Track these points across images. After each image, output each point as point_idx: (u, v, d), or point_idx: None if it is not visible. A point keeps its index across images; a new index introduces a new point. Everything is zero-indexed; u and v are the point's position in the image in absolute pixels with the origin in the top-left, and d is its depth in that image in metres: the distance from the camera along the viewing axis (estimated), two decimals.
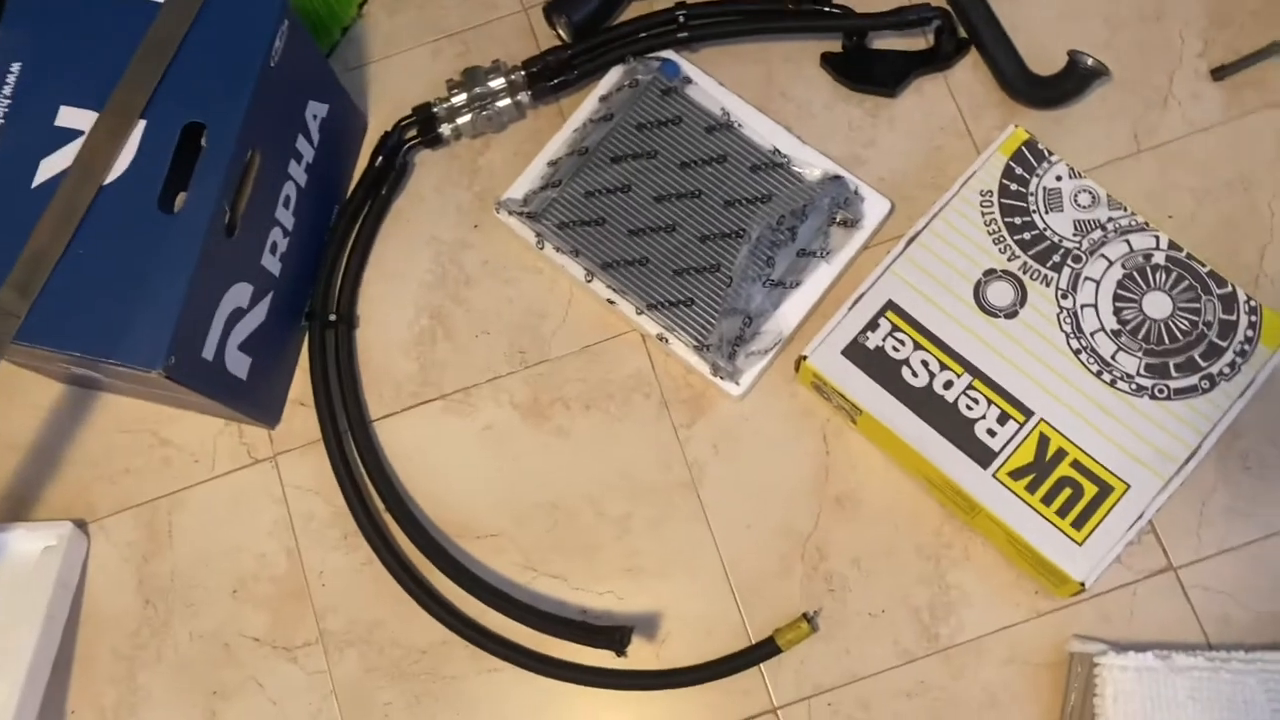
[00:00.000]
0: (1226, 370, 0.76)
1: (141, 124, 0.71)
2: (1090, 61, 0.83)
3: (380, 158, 0.87)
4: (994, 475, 0.75)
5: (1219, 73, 0.86)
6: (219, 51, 0.72)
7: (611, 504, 0.82)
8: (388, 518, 0.82)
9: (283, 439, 0.85)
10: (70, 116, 0.71)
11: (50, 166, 0.71)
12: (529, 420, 0.84)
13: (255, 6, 0.73)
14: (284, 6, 0.73)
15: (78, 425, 0.86)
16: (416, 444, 0.84)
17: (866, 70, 0.88)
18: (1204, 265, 0.78)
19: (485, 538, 0.82)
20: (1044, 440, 0.75)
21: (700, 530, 0.81)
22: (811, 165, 0.84)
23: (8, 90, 0.72)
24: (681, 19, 0.87)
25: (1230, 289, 0.77)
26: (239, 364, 0.77)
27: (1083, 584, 0.73)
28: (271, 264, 0.79)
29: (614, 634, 0.73)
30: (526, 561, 0.81)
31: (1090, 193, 0.80)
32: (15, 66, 0.72)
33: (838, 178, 0.83)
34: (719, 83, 0.88)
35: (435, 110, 0.88)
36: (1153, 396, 0.76)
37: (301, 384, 0.86)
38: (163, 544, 0.84)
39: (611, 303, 0.83)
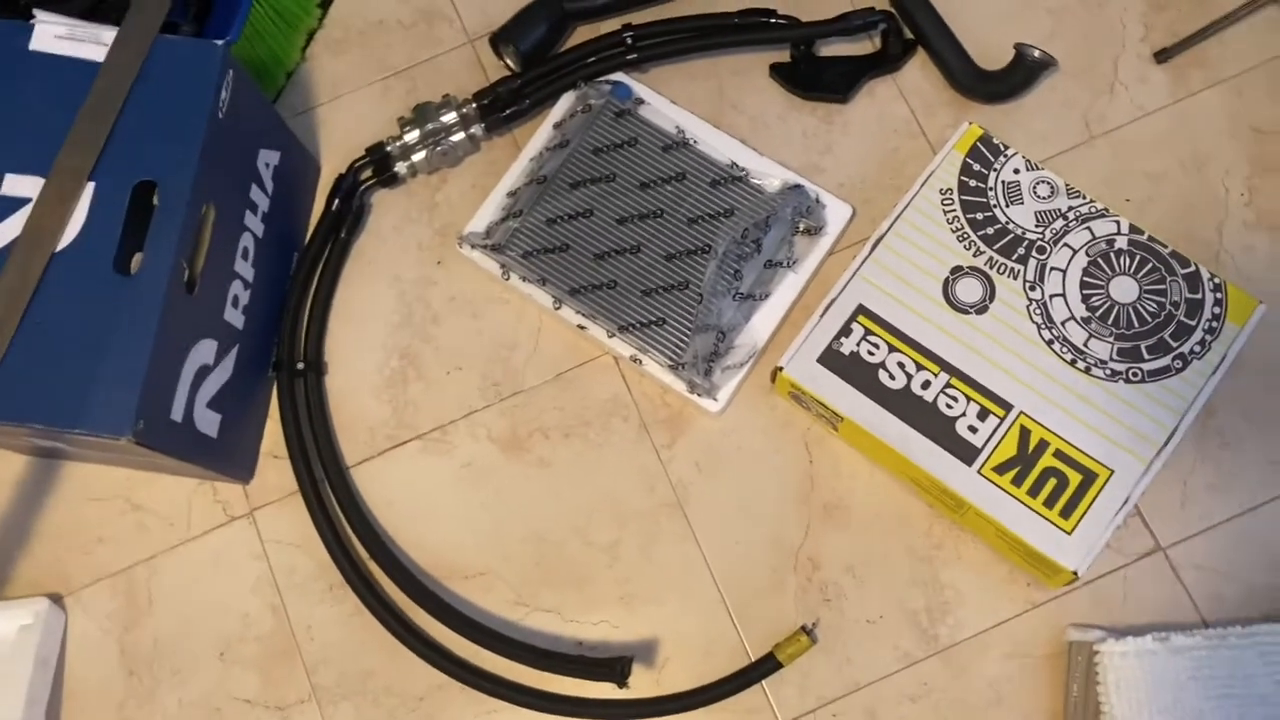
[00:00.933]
0: (1197, 349, 0.76)
1: (90, 186, 0.69)
2: (1037, 53, 0.84)
3: (336, 200, 0.86)
4: (979, 471, 0.75)
5: (1162, 55, 0.88)
6: (165, 106, 0.71)
7: (599, 532, 0.81)
8: (373, 565, 0.81)
9: (258, 493, 0.84)
10: (15, 184, 0.70)
11: None
12: (508, 453, 0.83)
13: (198, 58, 0.72)
14: (227, 56, 0.72)
15: (46, 497, 0.84)
16: (396, 487, 0.83)
17: (816, 78, 0.88)
18: (1166, 246, 0.79)
19: (473, 577, 0.81)
20: (1025, 433, 0.76)
21: (690, 551, 0.80)
22: (770, 176, 0.84)
23: None
24: (629, 40, 0.86)
25: (1193, 268, 0.78)
26: (209, 422, 0.76)
27: (1075, 573, 0.73)
28: (234, 317, 0.78)
29: (615, 665, 0.72)
30: (517, 598, 0.80)
31: (1049, 183, 0.81)
32: None
33: (798, 187, 0.83)
34: (671, 101, 0.87)
35: (389, 149, 0.87)
36: (1127, 380, 0.76)
37: (274, 435, 0.84)
38: (143, 611, 0.82)
39: (582, 328, 0.83)
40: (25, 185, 0.70)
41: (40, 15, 0.73)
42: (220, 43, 0.72)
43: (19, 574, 0.83)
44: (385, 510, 0.83)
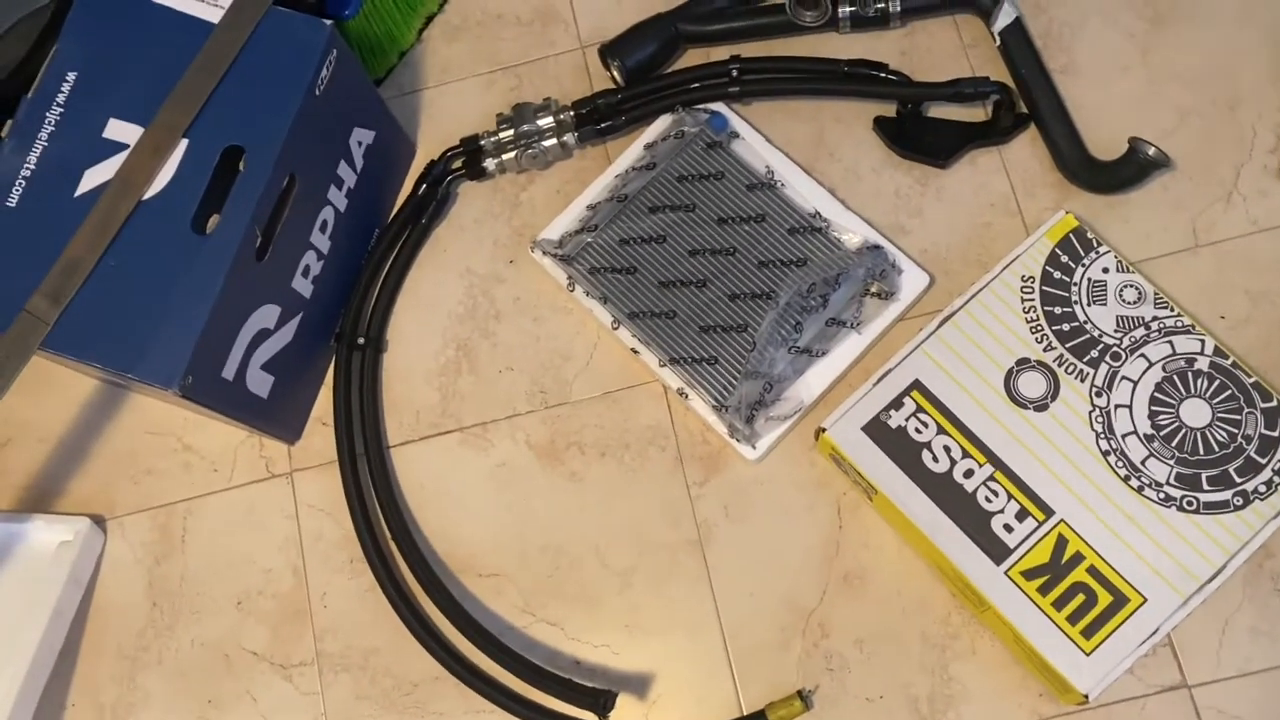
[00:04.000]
0: (1262, 489, 0.72)
1: (184, 143, 0.72)
2: (1152, 151, 0.80)
3: (424, 186, 0.88)
4: (1006, 573, 0.73)
5: None
6: (266, 76, 0.73)
7: (616, 556, 0.81)
8: (393, 545, 0.82)
9: (302, 456, 0.86)
10: (118, 129, 0.73)
11: (94, 177, 0.72)
12: (543, 461, 0.84)
13: (305, 34, 0.74)
14: (332, 37, 0.74)
15: (106, 422, 0.88)
16: (430, 474, 0.85)
17: (919, 138, 0.86)
18: (1250, 375, 0.75)
19: (487, 576, 0.82)
20: (1062, 541, 0.73)
21: (703, 592, 0.80)
22: (851, 232, 0.82)
23: (61, 99, 0.73)
24: (734, 73, 0.86)
25: (1276, 403, 0.74)
26: (261, 383, 0.78)
27: (1086, 696, 0.70)
28: (303, 286, 0.80)
29: (597, 697, 0.72)
30: (525, 605, 0.81)
31: (1137, 288, 0.77)
32: (71, 76, 0.74)
33: (877, 247, 0.82)
34: (766, 139, 0.86)
35: (482, 144, 0.88)
36: (1180, 508, 0.73)
37: (326, 403, 0.86)
38: (175, 548, 0.85)
39: (635, 352, 0.83)
40: (127, 131, 0.72)
41: None
42: (328, 23, 0.74)
43: (70, 489, 0.87)
44: (416, 494, 0.84)
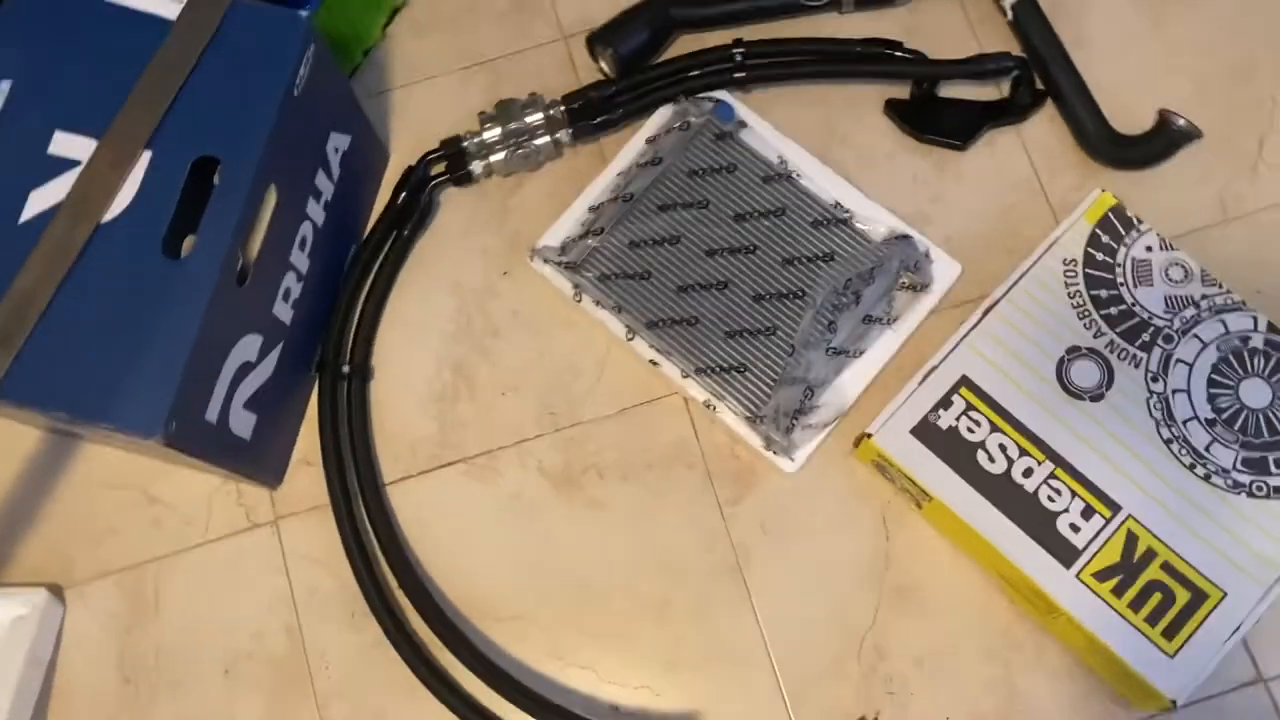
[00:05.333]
0: None
1: (146, 155, 0.63)
2: (1183, 122, 0.77)
3: (403, 194, 0.80)
4: (1078, 576, 0.68)
5: None
6: (237, 77, 0.64)
7: (648, 587, 0.75)
8: (400, 594, 0.74)
9: (286, 501, 0.77)
10: (65, 144, 0.63)
11: (41, 199, 0.62)
12: (559, 490, 0.77)
13: (279, 28, 0.65)
14: (310, 28, 0.66)
15: (57, 478, 0.78)
16: (434, 512, 0.77)
17: (935, 120, 0.81)
18: None
19: (507, 620, 0.74)
20: (1132, 538, 0.69)
21: (746, 620, 0.74)
22: (876, 222, 0.77)
23: None
24: (739, 57, 0.80)
25: None
26: (243, 423, 0.69)
27: (1174, 702, 0.66)
28: (283, 312, 0.71)
29: None
30: (553, 649, 0.74)
31: (1183, 266, 0.74)
32: (4, 85, 0.64)
33: (907, 237, 0.77)
34: (775, 128, 0.81)
35: (465, 145, 0.80)
36: (1250, 494, 0.69)
37: (308, 440, 0.78)
38: (148, 615, 0.75)
39: (654, 364, 0.76)
40: (77, 146, 0.63)
41: None
42: (304, 13, 0.66)
43: (20, 558, 0.76)
44: (419, 535, 0.76)
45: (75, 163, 0.63)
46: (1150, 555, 0.68)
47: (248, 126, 0.63)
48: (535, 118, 0.80)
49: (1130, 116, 0.81)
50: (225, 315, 0.64)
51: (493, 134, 0.80)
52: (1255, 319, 0.72)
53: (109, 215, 0.62)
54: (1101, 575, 0.68)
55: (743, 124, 0.80)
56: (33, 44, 0.65)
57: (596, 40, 0.82)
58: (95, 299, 0.61)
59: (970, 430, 0.71)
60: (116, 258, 0.62)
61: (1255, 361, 0.72)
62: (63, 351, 0.60)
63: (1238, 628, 0.67)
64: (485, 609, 0.75)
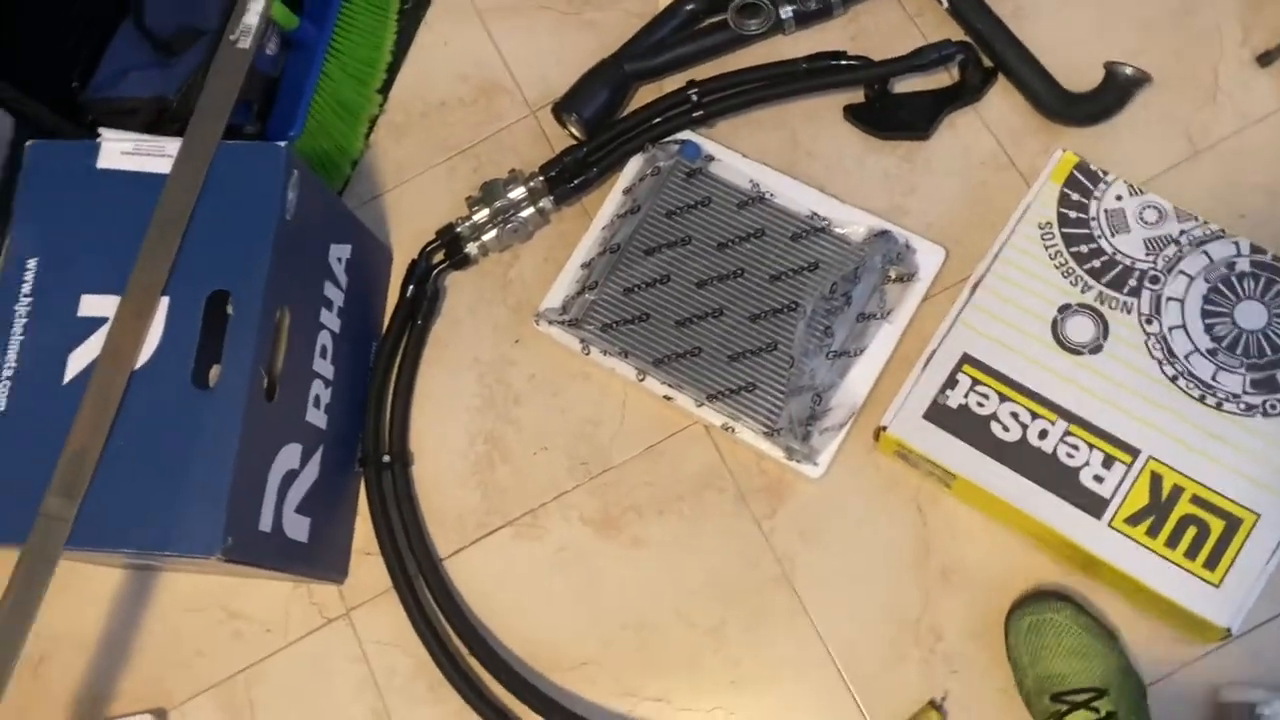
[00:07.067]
0: None
1: (165, 301, 0.69)
2: (1130, 70, 0.79)
3: (411, 287, 0.85)
4: (1110, 524, 0.69)
5: (1265, 58, 0.82)
6: (232, 213, 0.70)
7: (702, 612, 0.77)
8: (472, 661, 0.78)
9: (353, 593, 0.82)
10: (93, 304, 0.69)
11: (79, 359, 0.68)
12: (602, 534, 0.80)
13: (262, 161, 0.71)
14: (290, 156, 0.71)
15: (142, 611, 0.83)
16: (491, 577, 0.80)
17: (893, 116, 0.84)
18: None
19: (575, 668, 0.78)
20: (1156, 479, 0.70)
21: (802, 627, 0.76)
22: (854, 224, 0.80)
23: (27, 288, 0.70)
24: (694, 96, 0.84)
25: None
26: (298, 527, 0.74)
27: (1229, 629, 0.67)
28: (317, 418, 0.76)
29: None
30: (623, 688, 0.77)
31: (1156, 208, 0.75)
32: (32, 263, 0.70)
33: (885, 233, 0.79)
34: (743, 155, 0.84)
35: (459, 230, 0.85)
36: (1265, 413, 0.70)
37: (364, 532, 0.82)
38: None
39: (669, 399, 0.80)
40: (102, 305, 0.69)
41: (105, 133, 0.73)
42: (282, 144, 0.71)
43: (121, 689, 0.82)
44: (481, 602, 0.80)
45: (103, 320, 0.69)
46: (1178, 492, 0.69)
47: (249, 256, 0.69)
48: (518, 192, 0.84)
49: (1080, 74, 0.83)
50: (260, 431, 0.68)
51: (482, 215, 0.85)
52: (1237, 244, 0.74)
53: (140, 361, 0.68)
54: (1133, 520, 0.69)
55: (710, 158, 0.84)
56: (48, 220, 0.71)
57: (561, 108, 0.87)
58: (140, 439, 0.66)
59: (980, 404, 0.73)
60: (153, 398, 0.67)
61: (1245, 285, 0.73)
62: (119, 493, 0.66)
63: (1278, 546, 0.67)
64: (552, 660, 0.78)
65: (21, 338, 0.69)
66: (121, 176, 0.72)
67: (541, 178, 0.85)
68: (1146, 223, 0.75)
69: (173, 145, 0.71)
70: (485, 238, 0.85)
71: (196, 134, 0.71)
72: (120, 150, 0.72)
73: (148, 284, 0.69)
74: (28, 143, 0.73)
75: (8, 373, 0.68)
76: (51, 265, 0.70)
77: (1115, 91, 0.80)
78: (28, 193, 0.72)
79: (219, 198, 0.70)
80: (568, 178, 0.85)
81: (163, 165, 0.71)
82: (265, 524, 0.70)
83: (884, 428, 0.74)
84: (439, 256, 0.86)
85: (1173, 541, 0.69)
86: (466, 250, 0.85)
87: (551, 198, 0.85)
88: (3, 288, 0.70)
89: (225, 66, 0.74)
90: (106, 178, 0.72)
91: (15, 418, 0.68)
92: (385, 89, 0.92)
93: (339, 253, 0.79)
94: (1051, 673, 0.68)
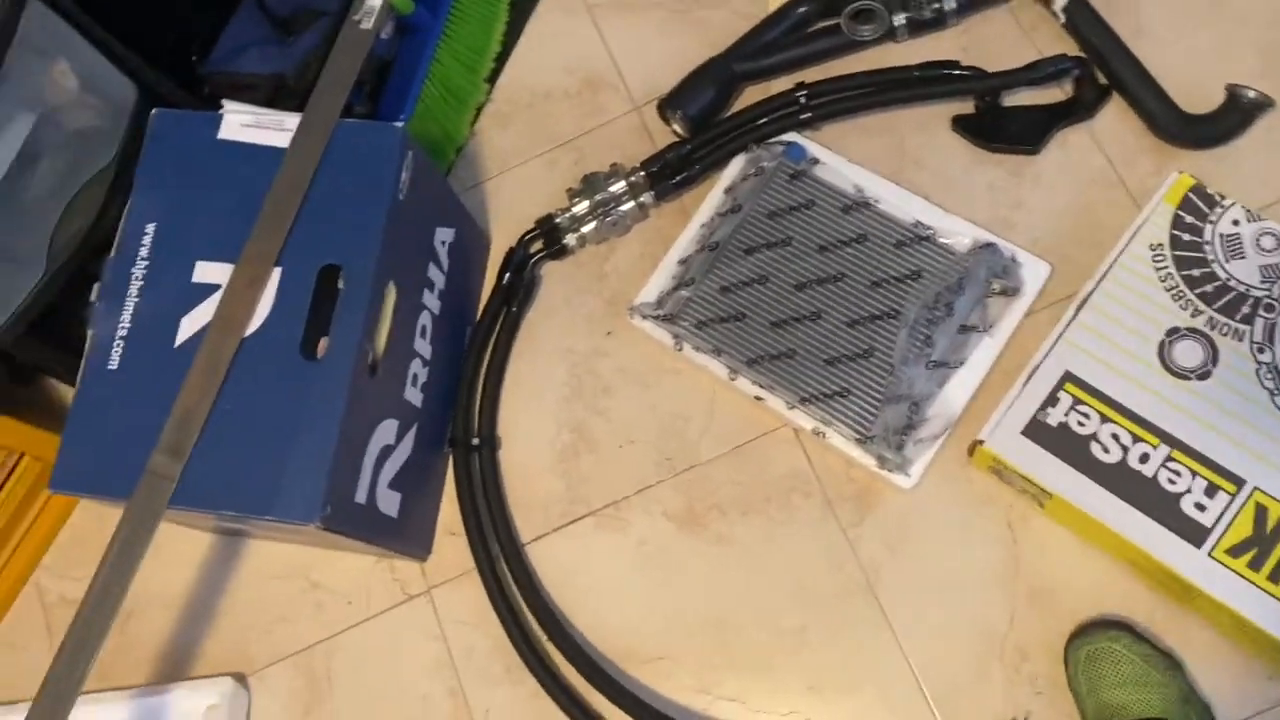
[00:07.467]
0: None
1: (277, 271, 0.70)
2: (1253, 94, 0.77)
3: (507, 274, 0.86)
4: (1210, 554, 0.68)
5: None
6: (347, 189, 0.71)
7: (783, 615, 0.77)
8: (550, 645, 0.78)
9: (435, 571, 0.83)
10: (207, 271, 0.71)
11: (191, 324, 0.70)
12: (685, 531, 0.80)
13: (379, 141, 0.72)
14: (406, 137, 0.72)
15: (228, 576, 0.85)
16: (571, 565, 0.81)
17: (1003, 129, 0.83)
18: None
19: (652, 661, 0.78)
20: (1261, 510, 0.68)
21: (884, 638, 0.75)
22: (959, 234, 0.79)
23: (144, 253, 0.72)
24: (802, 99, 0.83)
25: None
26: (390, 502, 0.75)
27: None
28: (414, 396, 0.77)
29: None
30: (699, 684, 0.77)
31: (1274, 235, 0.74)
32: (150, 228, 0.72)
33: (990, 245, 0.79)
34: (848, 159, 0.84)
35: (558, 220, 0.86)
36: None
37: (449, 512, 0.83)
38: (323, 693, 0.81)
39: (760, 399, 0.79)
40: (215, 272, 0.71)
41: (228, 105, 0.75)
42: (400, 125, 0.72)
43: (204, 652, 0.83)
44: (561, 589, 0.80)
45: (216, 287, 0.70)
46: None
47: (362, 233, 0.70)
48: (618, 186, 0.85)
49: (1199, 96, 0.81)
50: (363, 405, 0.70)
51: (581, 207, 0.85)
52: None
53: (250, 329, 0.69)
54: (1235, 551, 0.68)
55: (815, 161, 0.83)
56: (167, 188, 0.73)
57: (666, 105, 0.87)
58: (247, 405, 0.68)
59: (1080, 424, 0.72)
60: (261, 366, 0.68)
61: None
62: (223, 456, 0.67)
63: None
64: (629, 652, 0.78)
65: (136, 300, 0.71)
66: (240, 148, 0.73)
67: (643, 173, 0.85)
68: (1263, 249, 0.73)
69: (292, 120, 0.73)
70: (584, 229, 0.86)
71: (316, 110, 0.73)
72: (241, 122, 0.74)
73: (262, 254, 0.70)
74: (154, 111, 0.75)
75: (121, 333, 0.70)
76: (168, 231, 0.72)
77: (1237, 115, 0.78)
78: (150, 159, 0.74)
79: (335, 173, 0.71)
80: (669, 174, 0.85)
81: (281, 139, 0.73)
82: (360, 496, 0.71)
83: (981, 441, 0.73)
84: (537, 246, 0.87)
85: (1276, 575, 0.67)
86: (564, 241, 0.86)
87: (652, 193, 0.85)
88: (121, 251, 0.72)
89: (347, 45, 0.75)
90: (226, 148, 0.73)
91: (126, 377, 0.69)
92: (493, 78, 0.93)
93: (443, 236, 0.80)
94: (1110, 702, 0.67)
